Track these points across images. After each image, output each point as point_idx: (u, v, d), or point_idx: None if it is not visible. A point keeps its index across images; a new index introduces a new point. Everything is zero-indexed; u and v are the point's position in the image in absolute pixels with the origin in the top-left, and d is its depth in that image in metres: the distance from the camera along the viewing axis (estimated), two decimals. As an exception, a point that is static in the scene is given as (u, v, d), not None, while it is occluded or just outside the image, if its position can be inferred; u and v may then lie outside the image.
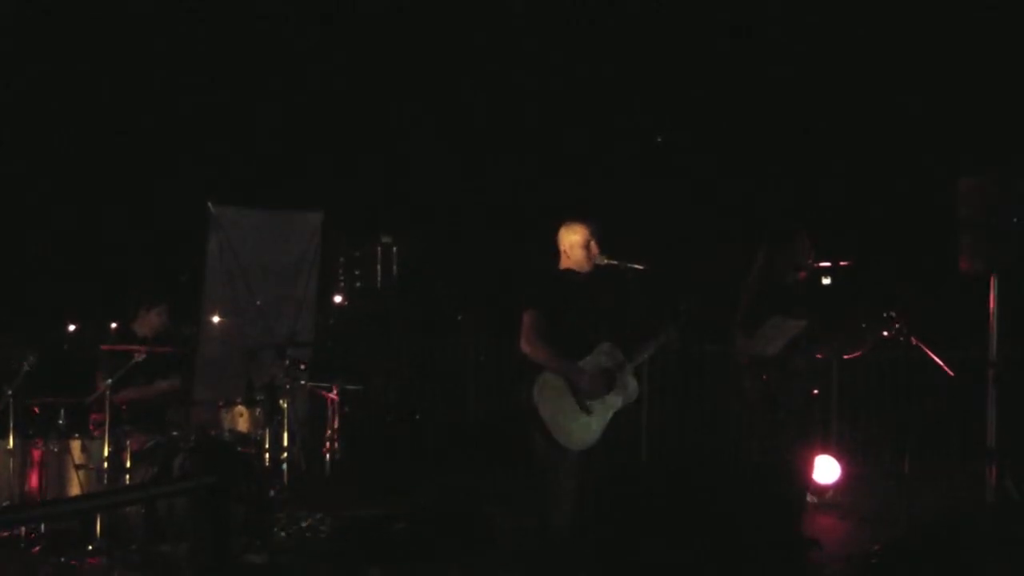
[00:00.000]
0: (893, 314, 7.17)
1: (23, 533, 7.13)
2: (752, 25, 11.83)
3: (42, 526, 7.16)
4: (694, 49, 12.24)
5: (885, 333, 7.18)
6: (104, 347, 7.94)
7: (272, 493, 8.14)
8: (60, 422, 7.58)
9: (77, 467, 7.43)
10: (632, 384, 6.22)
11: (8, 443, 7.40)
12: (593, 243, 6.22)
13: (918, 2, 11.04)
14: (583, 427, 5.98)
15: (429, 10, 12.70)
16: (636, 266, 6.31)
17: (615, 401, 6.10)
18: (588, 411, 5.98)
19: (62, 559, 6.90)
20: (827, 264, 8.15)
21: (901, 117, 11.31)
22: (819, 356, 7.35)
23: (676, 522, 7.15)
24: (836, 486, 8.90)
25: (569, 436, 5.93)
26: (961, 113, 10.97)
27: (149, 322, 8.29)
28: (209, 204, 10.19)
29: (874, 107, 11.54)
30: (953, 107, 10.98)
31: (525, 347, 5.98)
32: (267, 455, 8.30)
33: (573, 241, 6.22)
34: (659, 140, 11.05)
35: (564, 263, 6.28)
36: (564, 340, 6.01)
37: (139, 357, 7.63)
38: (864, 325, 7.36)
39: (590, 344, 6.09)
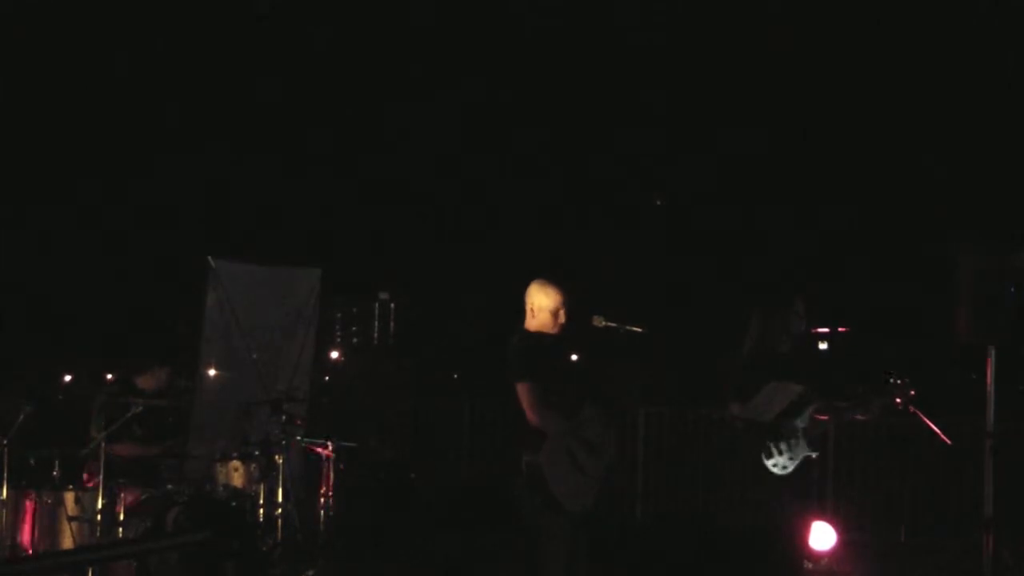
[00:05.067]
0: (899, 381, 7.17)
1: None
2: (751, 85, 11.99)
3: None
4: (692, 110, 12.40)
5: (898, 400, 7.17)
6: (99, 398, 7.93)
7: (266, 549, 8.09)
8: (54, 473, 7.54)
9: (70, 519, 7.38)
10: (612, 444, 6.28)
11: (1, 494, 7.37)
12: (562, 311, 6.21)
13: (918, 72, 11.20)
14: (584, 489, 6.01)
15: (426, 75, 12.90)
16: (635, 328, 6.32)
17: (605, 459, 6.15)
18: (583, 471, 6.01)
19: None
20: (825, 330, 8.19)
21: (903, 189, 11.44)
22: (822, 418, 7.36)
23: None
24: (831, 553, 8.84)
25: (573, 498, 5.96)
26: (963, 187, 11.09)
27: (156, 378, 8.28)
28: (209, 258, 10.21)
29: (877, 178, 11.67)
30: (955, 181, 11.11)
31: (533, 418, 5.99)
32: (261, 510, 8.26)
33: (542, 304, 6.18)
34: (658, 203, 11.12)
35: (529, 322, 6.25)
36: (559, 404, 6.04)
37: (136, 409, 7.63)
38: (864, 391, 7.37)
39: (577, 405, 6.13)
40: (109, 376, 8.53)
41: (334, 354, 12.70)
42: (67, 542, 7.37)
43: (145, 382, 8.23)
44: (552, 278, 6.27)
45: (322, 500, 8.91)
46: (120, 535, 7.31)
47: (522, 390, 5.98)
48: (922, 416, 7.56)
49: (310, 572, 8.16)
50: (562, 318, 6.15)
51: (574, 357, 6.32)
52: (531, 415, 5.96)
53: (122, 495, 7.40)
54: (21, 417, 7.52)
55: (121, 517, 7.36)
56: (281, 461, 8.54)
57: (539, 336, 6.21)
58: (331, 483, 8.96)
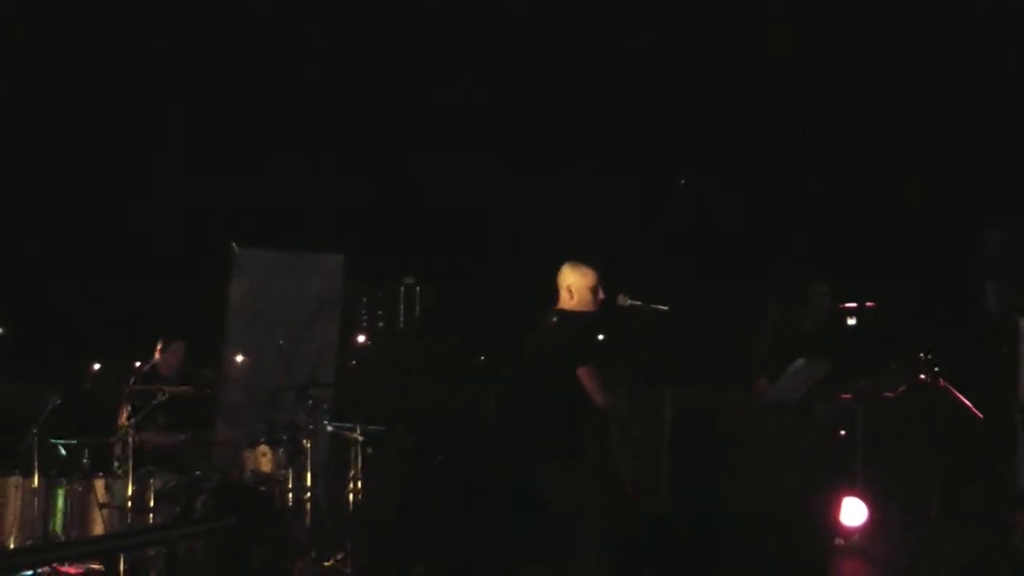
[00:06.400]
0: (928, 356, 7.12)
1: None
2: (771, 67, 11.89)
3: (67, 565, 7.17)
4: (710, 90, 12.31)
5: (922, 376, 7.13)
6: (125, 386, 7.97)
7: (293, 534, 8.10)
8: (84, 461, 7.60)
9: (101, 506, 7.44)
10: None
11: (33, 482, 7.42)
12: (600, 289, 6.23)
13: (944, 50, 11.09)
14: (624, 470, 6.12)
15: (449, 63, 12.88)
16: (660, 307, 6.32)
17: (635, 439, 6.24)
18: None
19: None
20: (853, 305, 8.13)
21: (930, 159, 11.32)
22: (846, 397, 7.32)
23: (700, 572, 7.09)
24: (862, 530, 8.79)
25: (627, 482, 6.05)
26: (989, 155, 10.96)
27: (167, 362, 8.36)
28: (233, 245, 10.22)
29: (903, 150, 11.55)
30: (981, 151, 10.97)
31: (603, 401, 5.96)
32: (289, 496, 8.27)
33: (580, 284, 6.19)
34: (683, 182, 11.04)
35: (566, 303, 6.23)
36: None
37: (162, 397, 7.67)
38: (894, 366, 7.33)
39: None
40: (137, 364, 8.57)
41: (361, 338, 12.66)
42: (98, 529, 7.43)
43: (165, 365, 8.30)
44: (582, 259, 6.29)
45: (350, 485, 8.91)
46: (150, 521, 7.35)
47: (589, 373, 5.92)
48: (953, 391, 7.50)
49: (338, 556, 8.17)
50: (601, 295, 6.18)
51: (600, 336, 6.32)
52: (600, 399, 5.92)
53: (151, 482, 7.44)
54: (49, 407, 7.58)
55: (151, 504, 7.41)
56: (309, 446, 8.54)
57: (583, 315, 6.20)
58: (359, 468, 8.95)
